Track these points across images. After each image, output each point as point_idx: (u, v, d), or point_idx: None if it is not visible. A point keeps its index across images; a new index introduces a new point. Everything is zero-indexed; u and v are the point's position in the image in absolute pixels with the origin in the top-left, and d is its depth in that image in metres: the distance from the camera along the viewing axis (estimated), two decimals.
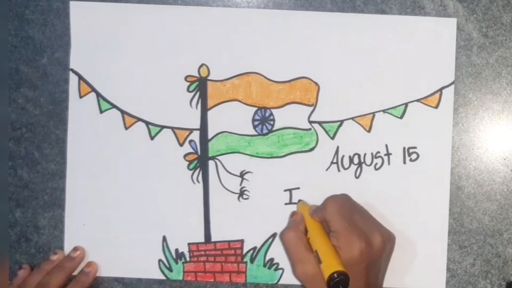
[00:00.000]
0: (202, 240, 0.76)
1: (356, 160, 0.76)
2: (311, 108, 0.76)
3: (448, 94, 0.75)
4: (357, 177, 0.76)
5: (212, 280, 0.76)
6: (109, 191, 0.76)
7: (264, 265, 0.76)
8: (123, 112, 0.76)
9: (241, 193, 0.76)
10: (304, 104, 0.76)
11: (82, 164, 0.77)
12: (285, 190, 0.76)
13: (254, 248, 0.76)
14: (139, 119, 0.76)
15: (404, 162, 0.75)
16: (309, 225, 0.70)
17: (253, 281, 0.76)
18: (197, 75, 0.76)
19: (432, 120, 0.75)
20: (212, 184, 0.76)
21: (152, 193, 0.76)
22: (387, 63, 0.75)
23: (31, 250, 0.77)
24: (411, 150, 0.75)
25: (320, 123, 0.76)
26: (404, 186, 0.75)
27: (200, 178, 0.76)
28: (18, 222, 0.77)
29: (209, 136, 0.76)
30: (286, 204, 0.76)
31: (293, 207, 0.76)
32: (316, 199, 0.74)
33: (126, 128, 0.76)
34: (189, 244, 0.76)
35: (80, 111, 0.76)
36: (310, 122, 0.76)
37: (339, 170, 0.76)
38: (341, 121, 0.76)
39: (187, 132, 0.76)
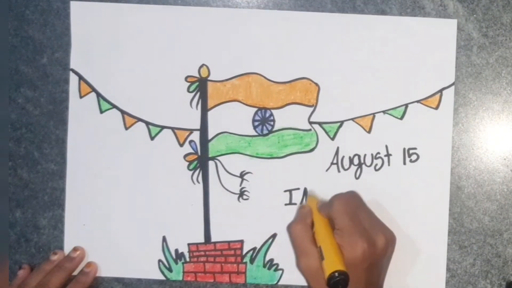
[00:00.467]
0: (202, 240, 0.76)
1: (356, 161, 0.76)
2: (311, 108, 0.76)
3: (448, 95, 0.75)
4: (357, 178, 0.76)
5: (212, 281, 0.76)
6: (109, 191, 0.76)
7: (264, 266, 0.76)
8: (123, 112, 0.76)
9: (241, 194, 0.76)
10: (304, 104, 0.76)
11: (82, 164, 0.77)
12: (285, 191, 0.76)
13: (254, 249, 0.76)
14: (139, 119, 0.76)
15: (404, 163, 0.75)
16: (316, 220, 0.71)
17: (253, 282, 0.76)
18: (197, 75, 0.76)
19: (432, 121, 0.75)
20: (212, 184, 0.76)
21: (152, 193, 0.76)
22: (387, 64, 0.75)
23: (31, 250, 0.77)
24: (411, 151, 0.75)
25: (320, 123, 0.76)
26: (404, 186, 0.75)
27: (200, 179, 0.76)
28: (18, 222, 0.77)
29: (209, 137, 0.76)
30: (286, 204, 0.76)
31: (293, 208, 0.76)
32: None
33: (126, 128, 0.76)
34: (189, 244, 0.76)
35: (80, 111, 0.76)
36: (310, 122, 0.76)
37: (339, 171, 0.76)
38: (341, 122, 0.76)
39: (187, 133, 0.76)
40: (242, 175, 0.76)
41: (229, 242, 0.76)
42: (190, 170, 0.76)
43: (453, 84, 0.75)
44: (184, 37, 0.76)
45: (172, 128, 0.76)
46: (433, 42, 0.75)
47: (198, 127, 0.76)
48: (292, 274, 0.76)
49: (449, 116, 0.75)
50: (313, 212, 0.72)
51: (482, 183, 0.76)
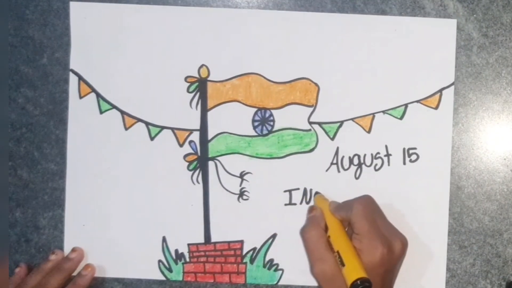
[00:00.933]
0: (202, 240, 0.76)
1: (356, 161, 0.76)
2: (311, 108, 0.76)
3: (448, 95, 0.75)
4: (357, 178, 0.76)
5: (212, 281, 0.76)
6: (109, 191, 0.76)
7: (264, 266, 0.76)
8: (123, 112, 0.76)
9: (241, 194, 0.76)
10: (304, 105, 0.76)
11: (82, 164, 0.77)
12: (285, 191, 0.76)
13: (254, 249, 0.76)
14: (139, 120, 0.76)
15: (404, 163, 0.75)
16: (329, 223, 0.70)
17: (252, 282, 0.76)
18: (197, 75, 0.76)
19: (432, 121, 0.75)
20: (212, 184, 0.76)
21: (152, 193, 0.76)
22: (387, 63, 0.75)
23: (31, 250, 0.77)
24: (411, 151, 0.75)
25: (320, 124, 0.76)
26: (404, 186, 0.75)
27: (200, 179, 0.76)
28: (18, 222, 0.77)
29: (209, 137, 0.76)
30: (286, 204, 0.76)
31: (293, 208, 0.76)
32: None
33: (126, 129, 0.76)
34: (189, 244, 0.76)
35: (80, 111, 0.76)
36: (310, 123, 0.76)
37: (339, 171, 0.76)
38: (341, 122, 0.76)
39: (187, 133, 0.76)
40: (242, 175, 0.76)
41: (229, 242, 0.76)
42: (190, 170, 0.76)
43: (453, 84, 0.75)
44: (184, 37, 0.76)
45: (172, 129, 0.76)
46: (433, 42, 0.75)
47: (198, 128, 0.76)
48: (292, 274, 0.76)
49: (449, 116, 0.75)
50: (325, 214, 0.71)
51: (482, 183, 0.76)
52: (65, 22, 0.77)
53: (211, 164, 0.76)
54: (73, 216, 0.77)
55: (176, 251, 0.76)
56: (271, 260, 0.76)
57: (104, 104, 0.76)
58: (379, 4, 0.75)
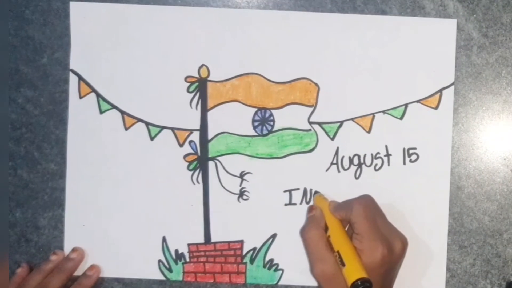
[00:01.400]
0: (202, 240, 0.76)
1: (356, 161, 0.76)
2: (311, 108, 0.76)
3: (448, 95, 0.75)
4: (357, 178, 0.76)
5: (212, 281, 0.76)
6: (109, 191, 0.76)
7: (264, 266, 0.76)
8: (123, 112, 0.76)
9: (241, 194, 0.76)
10: (304, 104, 0.76)
11: (82, 164, 0.77)
12: (285, 191, 0.76)
13: (254, 249, 0.76)
14: (139, 120, 0.76)
15: (404, 163, 0.75)
16: (329, 223, 0.70)
17: (253, 282, 0.76)
18: (197, 75, 0.76)
19: (432, 121, 0.75)
20: (212, 184, 0.76)
21: (152, 193, 0.76)
22: (387, 63, 0.75)
23: (31, 250, 0.77)
24: (411, 151, 0.75)
25: (320, 123, 0.76)
26: (404, 186, 0.75)
27: (200, 179, 0.76)
28: (18, 222, 0.77)
29: (209, 137, 0.76)
30: (286, 205, 0.76)
31: (293, 208, 0.76)
32: None
33: (126, 129, 0.76)
34: (188, 244, 0.76)
35: (80, 112, 0.76)
36: (310, 123, 0.76)
37: (339, 171, 0.76)
38: (341, 122, 0.76)
39: (187, 133, 0.76)
40: (242, 175, 0.76)
41: (229, 242, 0.76)
42: (190, 170, 0.76)
43: (453, 84, 0.75)
44: (184, 37, 0.76)
45: (172, 129, 0.76)
46: (433, 42, 0.75)
47: (198, 127, 0.76)
48: (292, 274, 0.76)
49: (449, 116, 0.75)
50: (325, 214, 0.71)
51: (482, 183, 0.76)
52: (65, 22, 0.77)
53: (211, 164, 0.76)
54: (73, 216, 0.77)
55: (176, 251, 0.76)
56: (271, 260, 0.76)
57: (104, 104, 0.76)
58: (379, 4, 0.75)
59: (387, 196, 0.75)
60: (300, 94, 0.76)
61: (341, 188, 0.75)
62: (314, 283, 0.75)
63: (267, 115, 0.76)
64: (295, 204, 0.76)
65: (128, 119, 0.76)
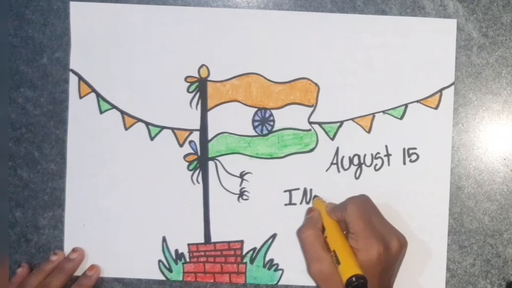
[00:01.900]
0: (202, 240, 0.76)
1: (356, 161, 0.76)
2: (311, 108, 0.76)
3: (448, 95, 0.75)
4: (357, 178, 0.76)
5: (212, 281, 0.76)
6: (109, 191, 0.76)
7: (264, 266, 0.76)
8: (123, 112, 0.76)
9: (241, 194, 0.76)
10: (304, 104, 0.76)
11: (82, 164, 0.77)
12: (285, 191, 0.76)
13: (254, 249, 0.76)
14: (139, 120, 0.76)
15: (404, 163, 0.75)
16: (326, 224, 0.70)
17: (253, 282, 0.76)
18: (197, 75, 0.76)
19: (432, 121, 0.75)
20: (212, 184, 0.76)
21: (152, 193, 0.76)
22: (387, 64, 0.75)
23: (31, 250, 0.77)
24: (411, 151, 0.75)
25: (320, 123, 0.76)
26: (404, 186, 0.75)
27: (200, 179, 0.76)
28: (18, 222, 0.77)
29: (209, 137, 0.76)
30: (286, 205, 0.76)
31: (293, 208, 0.76)
32: None
33: (126, 129, 0.76)
34: (189, 244, 0.76)
35: (80, 112, 0.76)
36: (310, 123, 0.76)
37: (339, 171, 0.76)
38: (341, 122, 0.76)
39: (187, 133, 0.76)
40: (242, 175, 0.76)
41: (229, 242, 0.76)
42: (190, 170, 0.76)
43: (453, 84, 0.75)
44: (184, 37, 0.76)
45: (172, 129, 0.76)
46: (433, 42, 0.75)
47: (198, 127, 0.76)
48: (292, 274, 0.76)
49: (449, 116, 0.75)
50: (322, 215, 0.72)
51: (482, 183, 0.76)
52: (65, 22, 0.77)
53: (211, 164, 0.76)
54: (73, 216, 0.77)
55: (176, 251, 0.76)
56: (271, 260, 0.76)
57: (104, 104, 0.76)
58: (379, 4, 0.75)
59: (387, 196, 0.75)
60: (300, 94, 0.76)
61: (341, 188, 0.75)
62: (314, 283, 0.75)
63: (267, 115, 0.76)
64: (295, 204, 0.76)
65: (128, 119, 0.76)
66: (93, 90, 0.76)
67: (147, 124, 0.76)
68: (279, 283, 0.76)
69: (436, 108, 0.75)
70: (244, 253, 0.76)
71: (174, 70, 0.76)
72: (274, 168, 0.76)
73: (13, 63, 0.77)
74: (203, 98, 0.76)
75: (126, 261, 0.76)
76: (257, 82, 0.76)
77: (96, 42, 0.76)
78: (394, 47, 0.75)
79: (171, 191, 0.76)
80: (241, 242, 0.76)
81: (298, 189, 0.76)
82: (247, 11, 0.76)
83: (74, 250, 0.76)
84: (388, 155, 0.76)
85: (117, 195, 0.76)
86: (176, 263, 0.76)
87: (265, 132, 0.76)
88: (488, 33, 0.76)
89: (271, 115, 0.76)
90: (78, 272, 0.76)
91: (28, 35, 0.77)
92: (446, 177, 0.76)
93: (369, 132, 0.76)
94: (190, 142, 0.76)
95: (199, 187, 0.76)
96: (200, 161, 0.76)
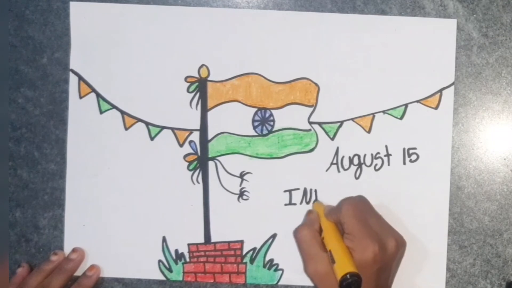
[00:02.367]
0: (202, 240, 0.76)
1: (356, 161, 0.76)
2: (311, 109, 0.76)
3: (448, 95, 0.75)
4: (357, 178, 0.76)
5: (212, 281, 0.76)
6: (109, 191, 0.76)
7: (264, 266, 0.76)
8: (123, 112, 0.76)
9: (241, 194, 0.76)
10: (304, 105, 0.76)
11: (82, 164, 0.77)
12: (285, 191, 0.76)
13: (254, 249, 0.76)
14: (139, 120, 0.76)
15: (404, 163, 0.75)
16: (323, 225, 0.71)
17: (253, 282, 0.76)
18: (197, 75, 0.76)
19: (432, 121, 0.75)
20: (212, 184, 0.76)
21: (152, 193, 0.76)
22: (387, 64, 0.75)
23: (31, 250, 0.77)
24: (411, 151, 0.75)
25: (320, 124, 0.76)
26: (404, 186, 0.75)
27: (200, 179, 0.76)
28: (18, 222, 0.77)
29: (209, 137, 0.76)
30: (286, 205, 0.76)
31: (293, 208, 0.76)
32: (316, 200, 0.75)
33: (126, 129, 0.76)
34: (189, 244, 0.76)
35: (80, 112, 0.76)
36: (310, 123, 0.76)
37: (339, 171, 0.76)
38: (341, 122, 0.76)
39: (187, 133, 0.76)
40: (242, 175, 0.76)
41: (229, 242, 0.76)
42: (190, 170, 0.76)
43: (453, 84, 0.75)
44: (184, 37, 0.76)
45: (172, 129, 0.76)
46: (433, 42, 0.75)
47: (198, 128, 0.76)
48: (292, 274, 0.76)
49: (449, 116, 0.75)
50: (320, 217, 0.72)
51: (482, 183, 0.76)
52: (65, 22, 0.77)
53: (211, 164, 0.76)
54: (73, 216, 0.77)
55: (176, 251, 0.76)
56: (271, 260, 0.76)
57: (104, 104, 0.76)
58: (379, 4, 0.76)
59: (387, 196, 0.75)
60: (300, 94, 0.76)
61: (341, 188, 0.75)
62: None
63: (267, 115, 0.76)
64: (295, 204, 0.76)
65: (128, 119, 0.76)
66: (93, 90, 0.76)
67: (147, 124, 0.76)
68: (279, 283, 0.76)
69: (436, 108, 0.75)
70: (244, 253, 0.76)
71: (174, 70, 0.76)
72: (274, 168, 0.76)
73: (13, 63, 0.77)
74: (203, 98, 0.76)
75: (126, 261, 0.76)
76: (257, 82, 0.76)
77: (96, 42, 0.76)
78: (394, 47, 0.75)
79: (171, 191, 0.76)
80: (241, 242, 0.76)
81: (298, 189, 0.76)
82: (247, 11, 0.76)
83: (74, 250, 0.76)
84: (388, 155, 0.76)
85: (117, 195, 0.76)
86: (176, 263, 0.76)
87: (265, 132, 0.76)
88: (488, 33, 0.76)
89: (271, 115, 0.76)
90: (78, 272, 0.76)
91: (28, 35, 0.77)
92: (446, 177, 0.76)
93: (369, 132, 0.76)
94: (190, 142, 0.76)
95: (199, 187, 0.76)
96: (200, 161, 0.76)
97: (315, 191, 0.76)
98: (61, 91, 0.77)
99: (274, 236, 0.76)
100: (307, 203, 0.76)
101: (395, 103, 0.75)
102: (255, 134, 0.76)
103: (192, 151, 0.76)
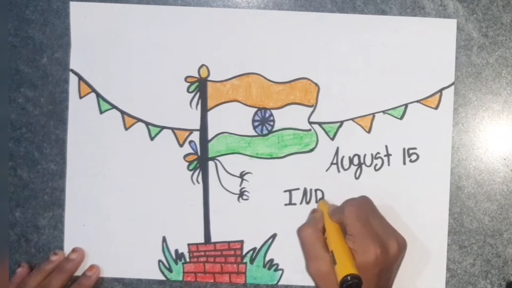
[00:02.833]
0: (202, 240, 0.76)
1: (356, 161, 0.76)
2: (311, 109, 0.76)
3: (448, 95, 0.75)
4: (357, 178, 0.76)
5: (212, 281, 0.76)
6: (109, 191, 0.76)
7: (264, 266, 0.76)
8: (123, 112, 0.76)
9: (241, 194, 0.76)
10: (304, 105, 0.76)
11: (82, 164, 0.77)
12: (285, 191, 0.76)
13: (254, 249, 0.76)
14: (139, 120, 0.76)
15: (404, 163, 0.75)
16: (327, 225, 0.71)
17: (252, 282, 0.76)
18: (197, 75, 0.76)
19: (432, 121, 0.75)
20: (212, 184, 0.76)
21: (152, 193, 0.76)
22: (387, 64, 0.75)
23: (31, 250, 0.77)
24: (411, 151, 0.75)
25: (320, 124, 0.76)
26: (404, 187, 0.75)
27: (200, 179, 0.76)
28: (18, 222, 0.77)
29: (209, 137, 0.76)
30: (286, 205, 0.76)
31: (293, 208, 0.76)
32: (316, 200, 0.76)
33: (126, 129, 0.76)
34: (189, 244, 0.76)
35: (80, 112, 0.76)
36: (310, 123, 0.76)
37: (339, 171, 0.76)
38: (341, 122, 0.76)
39: (187, 133, 0.76)
40: (242, 175, 0.76)
41: (229, 242, 0.76)
42: (190, 170, 0.76)
43: (453, 84, 0.75)
44: (184, 37, 0.76)
45: (172, 129, 0.76)
46: (433, 42, 0.75)
47: (198, 128, 0.76)
48: (292, 274, 0.76)
49: (449, 116, 0.75)
50: (324, 217, 0.72)
51: (482, 183, 0.76)
52: (65, 22, 0.77)
53: (211, 164, 0.76)
54: (73, 216, 0.77)
55: (176, 251, 0.76)
56: (271, 260, 0.76)
57: (104, 104, 0.76)
58: (379, 4, 0.75)
59: (387, 196, 0.75)
60: (300, 94, 0.76)
61: (341, 188, 0.75)
62: (314, 284, 0.75)
63: (267, 115, 0.76)
64: (295, 204, 0.76)
65: (128, 119, 0.76)
66: (93, 90, 0.76)
67: (147, 124, 0.76)
68: (279, 283, 0.76)
69: (436, 108, 0.75)
70: (244, 253, 0.76)
71: (174, 70, 0.76)
72: (274, 168, 0.76)
73: (13, 63, 0.77)
74: (203, 98, 0.76)
75: (126, 261, 0.76)
76: (257, 82, 0.76)
77: (96, 42, 0.76)
78: (394, 47, 0.75)
79: (171, 191, 0.76)
80: (241, 242, 0.76)
81: (298, 189, 0.76)
82: (247, 11, 0.76)
83: (74, 250, 0.76)
84: (388, 155, 0.76)
85: (117, 195, 0.76)
86: (176, 263, 0.76)
87: (265, 132, 0.76)
88: (488, 33, 0.76)
89: (271, 115, 0.76)
90: (78, 272, 0.76)
91: (28, 35, 0.77)
92: (446, 177, 0.76)
93: (369, 132, 0.76)
94: (190, 142, 0.76)
95: (199, 187, 0.76)
96: (200, 161, 0.76)
97: (315, 191, 0.76)
98: (61, 91, 0.77)
99: (274, 236, 0.76)
100: (307, 203, 0.76)
101: (395, 103, 0.75)
102: (255, 134, 0.76)
103: (192, 151, 0.76)
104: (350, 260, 0.65)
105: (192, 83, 0.76)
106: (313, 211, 0.75)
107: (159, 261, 0.76)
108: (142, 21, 0.76)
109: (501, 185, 0.76)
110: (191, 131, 0.76)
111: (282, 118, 0.76)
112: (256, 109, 0.76)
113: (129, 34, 0.76)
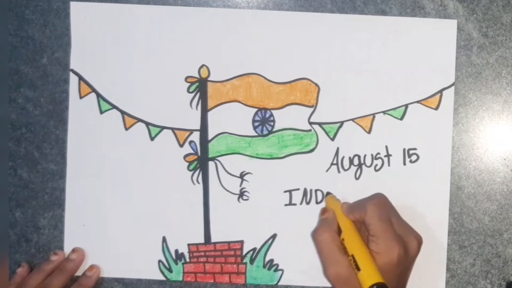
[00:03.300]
0: (202, 241, 0.76)
1: (356, 161, 0.76)
2: (311, 109, 0.76)
3: (448, 96, 0.75)
4: (357, 178, 0.76)
5: (212, 281, 0.76)
6: (109, 191, 0.76)
7: (264, 266, 0.76)
8: (123, 112, 0.76)
9: (241, 194, 0.76)
10: (304, 105, 0.76)
11: (82, 164, 0.77)
12: (285, 191, 0.76)
13: (254, 249, 0.76)
14: (139, 120, 0.76)
15: (404, 164, 0.75)
16: (342, 225, 0.69)
17: (252, 282, 0.76)
18: (197, 76, 0.76)
19: (432, 121, 0.75)
20: (212, 185, 0.76)
21: (152, 193, 0.76)
22: (387, 64, 0.75)
23: (31, 250, 0.77)
24: (411, 152, 0.75)
25: (320, 124, 0.76)
26: (404, 187, 0.75)
27: (200, 179, 0.76)
28: (18, 222, 0.77)
29: (209, 137, 0.76)
30: (286, 205, 0.76)
31: (293, 208, 0.76)
32: (317, 200, 0.76)
33: (126, 129, 0.76)
34: (189, 244, 0.76)
35: (80, 112, 0.76)
36: (310, 123, 0.76)
37: (339, 171, 0.76)
38: (341, 122, 0.76)
39: (187, 133, 0.76)
40: (242, 176, 0.76)
41: (229, 242, 0.76)
42: (190, 170, 0.76)
43: (453, 84, 0.75)
44: (184, 37, 0.76)
45: (172, 129, 0.76)
46: (433, 42, 0.75)
47: (198, 128, 0.76)
48: (292, 275, 0.76)
49: (449, 116, 0.75)
50: (337, 216, 0.70)
51: (482, 183, 0.76)
52: (65, 22, 0.77)
53: (211, 164, 0.76)
54: (73, 216, 0.77)
55: (176, 251, 0.76)
56: (271, 260, 0.76)
57: (104, 104, 0.76)
58: (379, 4, 0.75)
59: (387, 196, 0.74)
60: (301, 94, 0.76)
61: (341, 188, 0.75)
62: (314, 283, 0.75)
63: (267, 115, 0.76)
64: (295, 204, 0.76)
65: (128, 119, 0.76)
66: (93, 90, 0.76)
67: (147, 124, 0.76)
68: (279, 284, 0.76)
69: (436, 108, 0.75)
70: (244, 253, 0.76)
71: (174, 70, 0.76)
72: (274, 169, 0.76)
73: (13, 63, 0.77)
74: (203, 98, 0.76)
75: (126, 261, 0.77)
76: (257, 83, 0.76)
77: (96, 42, 0.76)
78: (394, 47, 0.75)
79: (171, 191, 0.76)
80: (241, 242, 0.76)
81: (298, 189, 0.76)
82: (247, 11, 0.76)
83: (74, 250, 0.76)
84: (388, 155, 0.76)
85: (117, 195, 0.76)
86: (176, 263, 0.76)
87: (265, 132, 0.76)
88: (488, 33, 0.76)
89: (271, 115, 0.76)
90: (78, 272, 0.76)
91: (28, 35, 0.77)
92: (446, 177, 0.76)
93: (369, 132, 0.76)
94: (190, 142, 0.76)
95: (199, 187, 0.76)
96: (200, 161, 0.76)
97: (315, 191, 0.76)
98: (61, 91, 0.77)
99: (274, 237, 0.76)
100: (307, 203, 0.76)
101: (395, 104, 0.75)
102: (255, 134, 0.76)
103: (192, 151, 0.76)
104: (374, 266, 0.64)
105: (192, 83, 0.76)
106: (324, 211, 0.72)
107: (159, 261, 0.76)
108: (142, 21, 0.76)
109: (501, 185, 0.76)
110: (191, 131, 0.76)
111: (282, 118, 0.76)
112: (256, 110, 0.76)
113: (129, 34, 0.76)
